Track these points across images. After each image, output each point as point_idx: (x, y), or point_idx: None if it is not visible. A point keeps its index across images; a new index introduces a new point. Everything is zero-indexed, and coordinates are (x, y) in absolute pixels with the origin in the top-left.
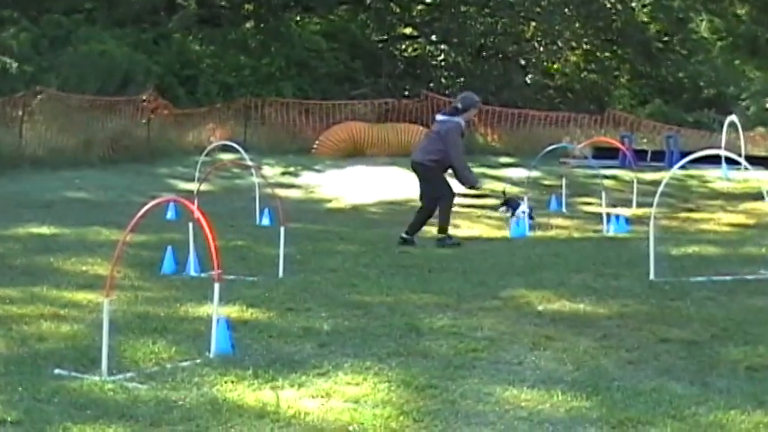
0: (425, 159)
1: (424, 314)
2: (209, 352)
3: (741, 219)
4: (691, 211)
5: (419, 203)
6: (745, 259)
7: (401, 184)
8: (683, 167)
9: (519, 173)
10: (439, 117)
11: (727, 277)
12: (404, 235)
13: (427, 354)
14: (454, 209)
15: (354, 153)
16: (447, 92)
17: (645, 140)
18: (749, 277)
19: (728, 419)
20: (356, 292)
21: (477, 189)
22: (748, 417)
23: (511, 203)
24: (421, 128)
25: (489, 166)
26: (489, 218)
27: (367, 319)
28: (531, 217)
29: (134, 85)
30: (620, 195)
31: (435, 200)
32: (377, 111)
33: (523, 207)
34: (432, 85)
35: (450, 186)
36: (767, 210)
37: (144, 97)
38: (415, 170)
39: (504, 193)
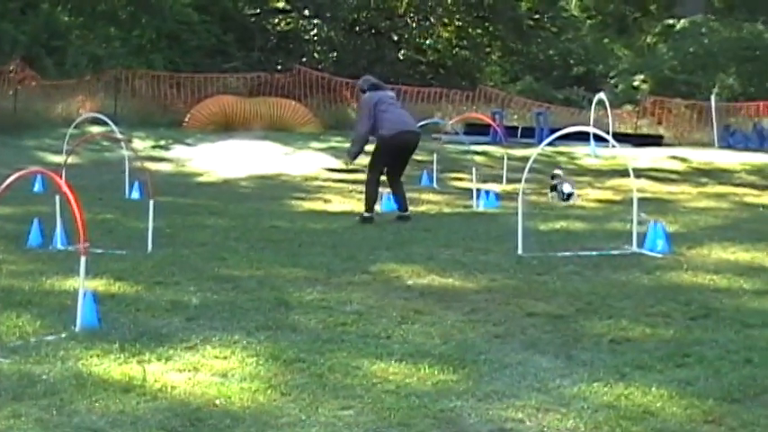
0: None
1: (293, 288)
2: (75, 326)
3: (608, 195)
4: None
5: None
6: (610, 234)
7: (273, 159)
8: (551, 144)
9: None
10: (389, 93)
11: (593, 252)
12: (400, 213)
13: (296, 328)
14: (325, 184)
15: (226, 127)
16: (320, 66)
17: (515, 117)
18: (614, 252)
19: (592, 392)
20: (225, 266)
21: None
22: (611, 389)
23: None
24: (293, 102)
25: None
26: (361, 193)
27: (236, 293)
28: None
29: (0, 55)
30: (490, 171)
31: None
32: (249, 85)
33: (568, 188)
34: (304, 59)
35: None
36: (633, 186)
37: (10, 68)
38: (408, 142)
39: (554, 176)
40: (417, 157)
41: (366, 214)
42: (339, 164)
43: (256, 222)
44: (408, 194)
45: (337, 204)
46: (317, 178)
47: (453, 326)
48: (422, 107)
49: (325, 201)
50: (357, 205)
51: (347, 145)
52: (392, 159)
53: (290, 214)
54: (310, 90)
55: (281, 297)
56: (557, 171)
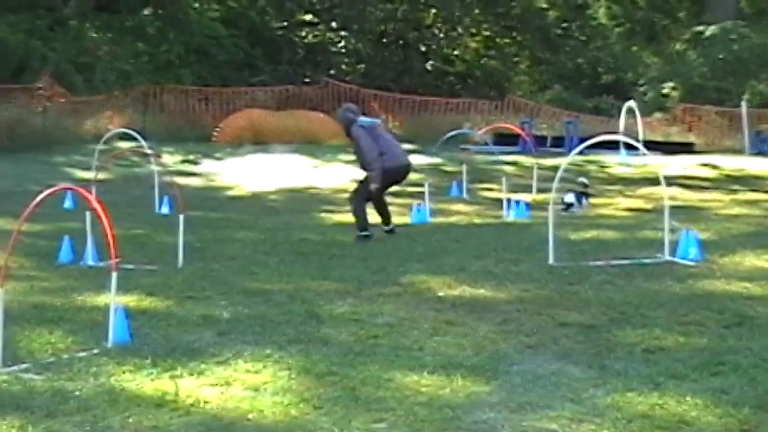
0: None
1: (324, 301)
2: (107, 342)
3: (639, 203)
4: (590, 195)
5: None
6: (642, 243)
7: (302, 172)
8: (582, 153)
9: (420, 159)
10: (375, 120)
11: (625, 261)
12: (385, 228)
13: (327, 341)
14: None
15: (255, 140)
16: (347, 78)
17: (545, 126)
18: (646, 261)
19: (626, 401)
20: (256, 280)
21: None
22: (645, 399)
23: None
24: (321, 115)
25: None
26: (390, 204)
27: (266, 307)
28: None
29: (29, 72)
30: (520, 181)
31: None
32: (277, 98)
33: (570, 197)
34: (332, 71)
35: None
36: (664, 194)
37: (40, 85)
38: (404, 174)
39: (584, 185)
40: (446, 168)
41: (364, 233)
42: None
43: (286, 236)
44: (438, 206)
45: (368, 216)
46: (345, 191)
47: (485, 337)
48: (450, 118)
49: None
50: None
51: None
52: (384, 188)
53: (320, 227)
54: (338, 102)
55: (312, 310)
56: (581, 179)
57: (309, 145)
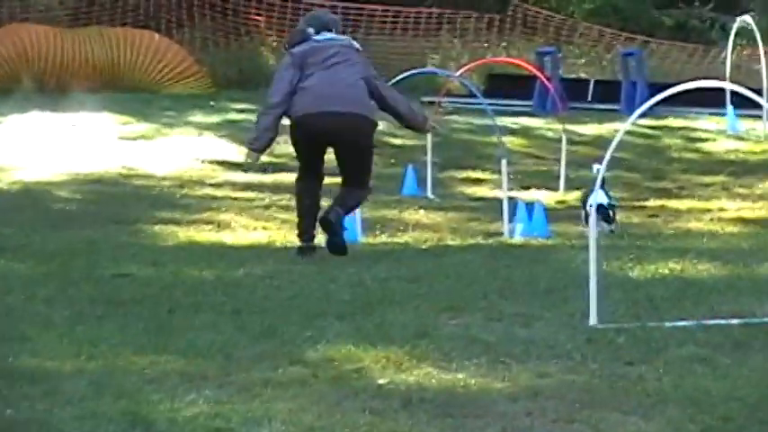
0: (361, 109)
1: (159, 395)
2: None
3: (762, 209)
4: (668, 194)
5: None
6: (765, 287)
7: (117, 145)
8: (650, 113)
9: None
10: (332, 36)
11: (734, 320)
12: (310, 244)
13: None
14: (220, 193)
15: (33, 83)
16: None
17: (582, 62)
18: None
19: None
20: (29, 354)
21: (430, 127)
22: None
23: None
24: (156, 36)
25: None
26: (289, 209)
27: (49, 405)
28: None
29: None
30: (535, 167)
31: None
32: (72, 2)
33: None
34: None
35: None
36: None
37: None
38: (322, 131)
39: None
40: (396, 140)
41: (301, 243)
42: (242, 157)
43: (87, 268)
44: (379, 212)
45: (244, 231)
46: (203, 182)
47: None
48: (411, 44)
49: (221, 225)
50: (279, 233)
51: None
52: (306, 156)
53: (153, 252)
54: (189, 12)
55: (137, 413)
56: (595, 167)
57: (134, 93)
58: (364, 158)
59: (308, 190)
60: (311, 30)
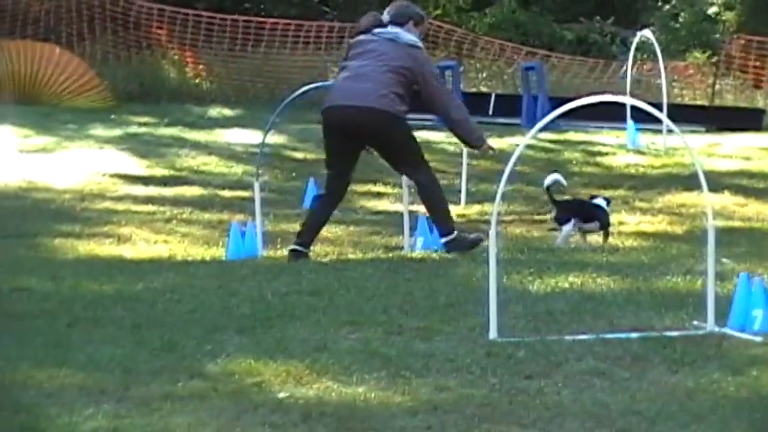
0: (376, 103)
1: (57, 408)
2: None
3: (660, 223)
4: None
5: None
6: (664, 300)
7: (15, 158)
8: (551, 127)
9: (246, 138)
10: (384, 30)
11: (633, 334)
12: (295, 247)
13: None
14: (120, 206)
15: None
16: None
17: (484, 76)
18: (672, 334)
19: None
20: None
21: (485, 150)
22: None
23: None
24: (56, 49)
25: (193, 126)
26: (190, 223)
27: None
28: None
29: None
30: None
31: (409, 165)
32: None
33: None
34: None
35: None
36: (707, 206)
37: None
38: (341, 123)
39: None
40: (296, 153)
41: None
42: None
43: None
44: (280, 226)
45: (144, 245)
46: (103, 196)
47: None
48: (304, 60)
49: (121, 239)
50: (181, 246)
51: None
52: (326, 152)
53: (52, 265)
54: (90, 26)
55: (35, 427)
56: (554, 176)
57: (32, 106)
58: (396, 148)
59: (320, 201)
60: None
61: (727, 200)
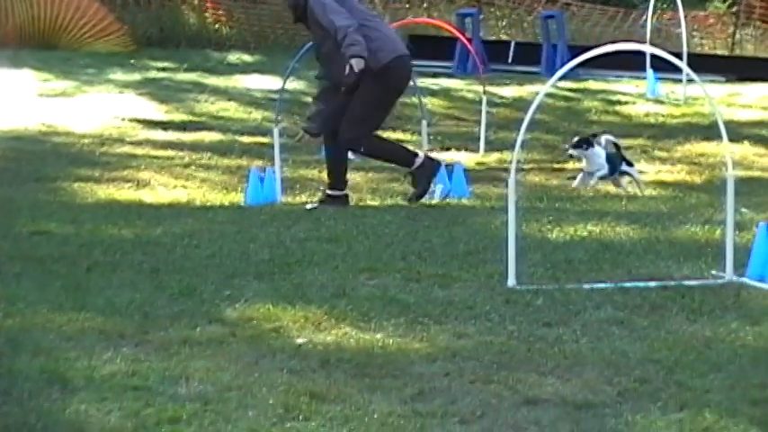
0: None
1: (76, 351)
2: None
3: (679, 173)
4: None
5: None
6: (683, 249)
7: (34, 102)
8: (570, 76)
9: (265, 83)
10: None
11: (651, 283)
12: (330, 192)
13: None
14: (139, 151)
15: None
16: None
17: (503, 24)
18: (690, 283)
19: None
20: None
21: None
22: None
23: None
24: None
25: (212, 72)
26: (209, 168)
27: None
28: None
29: None
30: (455, 128)
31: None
32: None
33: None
34: None
35: None
36: (726, 156)
37: None
38: (408, 78)
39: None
40: (308, 98)
41: (333, 192)
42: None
43: (5, 225)
44: (298, 172)
45: (163, 190)
46: (122, 140)
47: (385, 426)
48: None
49: (140, 183)
50: (200, 191)
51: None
52: (393, 102)
53: (72, 209)
54: None
55: (54, 370)
56: (605, 137)
57: (50, 51)
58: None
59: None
60: None
61: (746, 149)
